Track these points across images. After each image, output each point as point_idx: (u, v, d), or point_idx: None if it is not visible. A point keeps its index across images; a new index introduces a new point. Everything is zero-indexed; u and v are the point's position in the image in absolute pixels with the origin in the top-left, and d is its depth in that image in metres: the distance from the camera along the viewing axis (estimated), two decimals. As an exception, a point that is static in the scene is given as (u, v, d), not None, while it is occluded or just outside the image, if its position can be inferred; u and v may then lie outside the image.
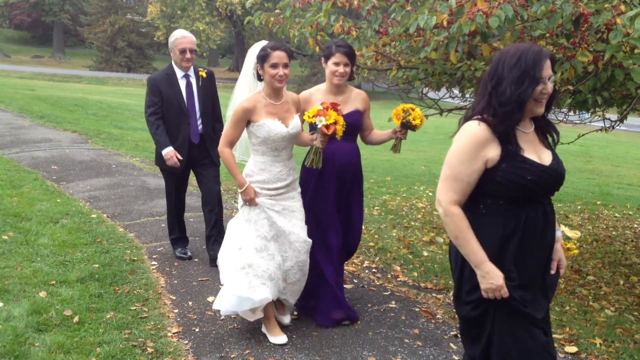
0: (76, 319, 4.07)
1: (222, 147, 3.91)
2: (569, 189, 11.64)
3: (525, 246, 2.49)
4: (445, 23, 3.95)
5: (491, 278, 2.43)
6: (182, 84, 5.16)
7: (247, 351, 3.84)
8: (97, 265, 5.08)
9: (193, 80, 5.21)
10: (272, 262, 3.88)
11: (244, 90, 4.05)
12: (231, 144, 3.91)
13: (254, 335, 4.07)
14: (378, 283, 5.23)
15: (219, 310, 4.41)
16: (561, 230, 2.76)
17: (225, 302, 3.91)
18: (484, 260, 2.44)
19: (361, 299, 4.80)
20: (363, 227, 4.74)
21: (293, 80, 41.88)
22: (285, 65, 3.76)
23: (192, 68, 5.20)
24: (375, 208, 8.14)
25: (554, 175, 2.51)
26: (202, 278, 5.05)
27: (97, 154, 10.29)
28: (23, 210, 6.47)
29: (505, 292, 2.44)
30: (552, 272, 2.64)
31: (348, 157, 4.22)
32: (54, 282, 4.68)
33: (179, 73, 5.16)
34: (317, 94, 4.20)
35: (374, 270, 5.61)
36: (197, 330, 4.11)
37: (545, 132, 2.62)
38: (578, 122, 6.35)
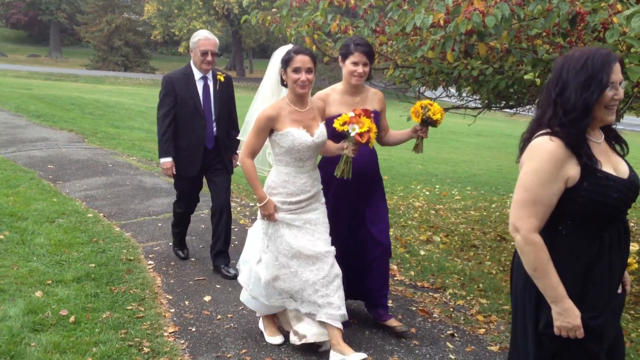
0: (72, 318, 4.06)
1: (243, 158, 3.68)
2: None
3: (608, 270, 2.30)
4: (441, 22, 3.95)
5: (568, 317, 2.23)
6: (200, 85, 5.00)
7: (243, 351, 3.84)
8: (93, 265, 5.06)
9: (210, 83, 5.04)
10: (296, 278, 3.68)
11: (266, 96, 3.84)
12: (253, 154, 3.69)
13: (251, 334, 4.06)
14: (375, 282, 5.22)
15: (215, 310, 4.42)
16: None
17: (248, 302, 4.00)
18: (563, 296, 2.23)
19: (358, 298, 4.80)
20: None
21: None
22: (309, 71, 3.55)
23: (210, 71, 5.05)
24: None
25: (634, 188, 2.33)
26: (198, 277, 5.05)
27: (94, 153, 10.27)
28: (19, 210, 6.45)
29: (580, 333, 2.24)
30: (619, 291, 2.44)
31: (368, 162, 4.04)
32: (50, 281, 4.67)
33: (197, 74, 5.00)
34: (334, 94, 4.01)
35: (370, 269, 5.60)
36: (193, 329, 4.10)
37: (613, 140, 2.42)
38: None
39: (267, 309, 3.94)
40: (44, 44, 52.14)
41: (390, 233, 6.81)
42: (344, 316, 3.69)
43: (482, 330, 4.35)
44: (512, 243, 6.81)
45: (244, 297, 4.03)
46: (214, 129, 5.05)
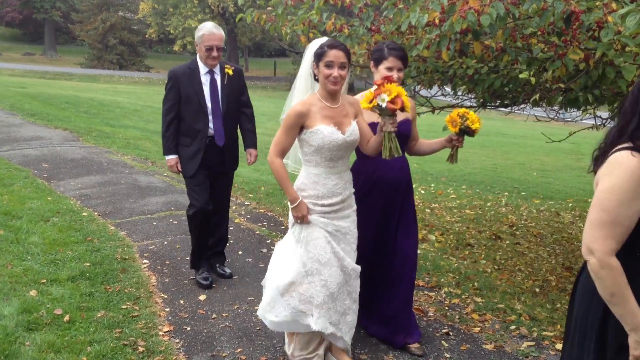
0: (67, 317, 4.05)
1: (272, 157, 3.41)
2: (560, 186, 11.70)
3: None
4: (437, 21, 3.95)
5: None
6: (206, 80, 4.71)
7: (238, 350, 3.83)
8: (87, 264, 5.05)
9: (218, 78, 4.75)
10: (325, 289, 3.38)
11: (301, 91, 3.58)
12: (283, 152, 3.43)
13: (246, 333, 4.06)
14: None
15: (210, 309, 4.41)
16: None
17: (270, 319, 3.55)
18: None
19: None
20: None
21: (285, 78, 41.88)
22: (342, 66, 3.31)
23: (218, 65, 4.77)
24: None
25: None
26: (193, 277, 5.03)
27: (89, 152, 10.24)
28: (13, 209, 6.43)
29: None
30: None
31: (400, 171, 3.86)
32: (45, 280, 4.65)
33: (203, 69, 4.71)
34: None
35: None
36: (188, 329, 4.10)
37: None
38: (569, 120, 6.37)
39: (291, 328, 3.54)
40: (39, 42, 51.95)
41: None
42: (347, 345, 3.61)
43: (477, 329, 4.35)
44: (507, 241, 6.84)
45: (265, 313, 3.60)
46: (222, 125, 4.78)
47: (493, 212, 8.63)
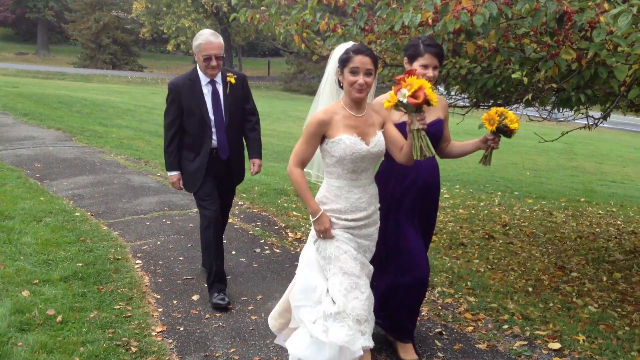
0: (59, 318, 4.03)
1: (291, 167, 3.24)
2: (553, 186, 11.74)
3: None
4: (430, 21, 3.96)
5: None
6: (207, 91, 4.48)
7: (231, 350, 3.83)
8: (80, 264, 5.03)
9: (220, 88, 4.52)
10: (367, 300, 3.21)
11: (325, 98, 3.38)
12: (303, 163, 3.25)
13: (239, 333, 4.06)
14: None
15: (203, 309, 4.40)
16: None
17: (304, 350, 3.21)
18: None
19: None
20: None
21: (279, 78, 41.87)
22: (368, 73, 3.11)
23: (219, 74, 4.53)
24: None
25: None
26: (186, 277, 5.03)
27: (81, 152, 10.20)
28: (6, 209, 6.40)
29: None
30: None
31: (431, 175, 3.72)
32: (37, 281, 4.63)
33: (204, 79, 4.47)
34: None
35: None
36: (181, 329, 4.09)
37: None
38: (562, 119, 6.39)
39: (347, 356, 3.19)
40: (32, 41, 51.74)
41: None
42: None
43: (470, 328, 4.36)
44: (500, 241, 6.86)
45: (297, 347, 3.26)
46: (226, 139, 4.57)
47: (486, 211, 8.65)
